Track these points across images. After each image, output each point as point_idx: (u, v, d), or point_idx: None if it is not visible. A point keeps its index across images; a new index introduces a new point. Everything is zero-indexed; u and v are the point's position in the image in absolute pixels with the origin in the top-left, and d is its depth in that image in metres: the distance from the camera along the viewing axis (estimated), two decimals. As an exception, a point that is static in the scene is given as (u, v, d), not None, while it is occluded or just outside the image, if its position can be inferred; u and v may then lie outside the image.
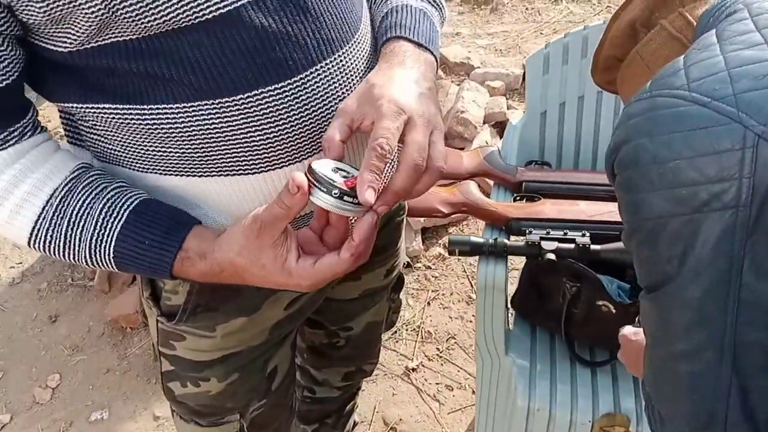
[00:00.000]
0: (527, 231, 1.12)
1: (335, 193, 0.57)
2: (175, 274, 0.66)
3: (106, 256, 0.66)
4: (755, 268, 0.49)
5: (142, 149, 0.67)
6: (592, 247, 1.09)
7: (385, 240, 0.95)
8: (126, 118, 0.64)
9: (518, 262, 1.72)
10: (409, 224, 1.99)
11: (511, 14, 3.42)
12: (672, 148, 0.49)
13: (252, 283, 0.65)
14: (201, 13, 0.58)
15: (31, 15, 0.56)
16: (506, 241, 1.12)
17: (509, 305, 1.27)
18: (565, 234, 1.11)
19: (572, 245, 1.09)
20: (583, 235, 1.10)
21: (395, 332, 1.84)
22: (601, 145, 1.30)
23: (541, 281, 1.21)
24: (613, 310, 1.10)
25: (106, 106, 0.64)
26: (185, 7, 0.57)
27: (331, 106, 0.66)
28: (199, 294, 0.77)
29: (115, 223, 0.65)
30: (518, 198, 1.23)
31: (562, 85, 1.28)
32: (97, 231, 0.65)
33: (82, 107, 0.66)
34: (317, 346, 1.14)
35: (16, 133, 0.64)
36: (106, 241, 0.65)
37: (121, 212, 0.65)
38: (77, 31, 0.58)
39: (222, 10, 0.59)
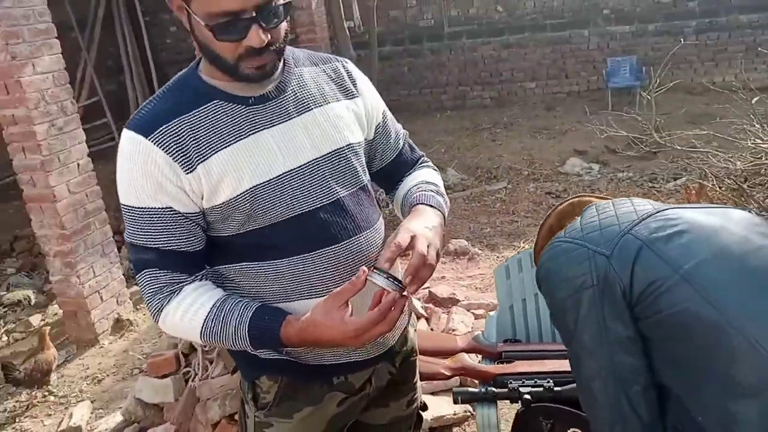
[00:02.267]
0: (508, 382, 1.58)
1: (384, 275, 1.07)
2: (282, 334, 1.12)
3: (244, 332, 1.13)
4: (612, 317, 1.00)
5: (256, 288, 1.19)
6: (555, 388, 1.54)
7: (404, 374, 1.40)
8: (249, 270, 1.19)
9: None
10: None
11: (484, 261, 4.16)
12: (560, 263, 1.05)
13: (323, 333, 1.09)
14: (293, 213, 1.16)
15: (213, 216, 1.14)
16: (494, 390, 1.57)
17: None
18: (535, 382, 1.57)
19: (541, 389, 1.54)
20: (548, 382, 1.56)
21: None
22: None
23: (527, 426, 1.63)
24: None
25: (241, 264, 1.19)
26: (286, 210, 1.15)
27: (360, 258, 1.20)
28: (284, 389, 1.24)
29: (249, 312, 1.14)
30: (499, 363, 1.70)
31: (520, 286, 1.85)
32: (238, 317, 1.13)
33: (226, 266, 1.20)
34: None
35: (199, 275, 1.18)
36: (245, 321, 1.13)
37: (252, 306, 1.15)
38: (232, 225, 1.15)
39: (304, 211, 1.16)
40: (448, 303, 3.23)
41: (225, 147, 1.11)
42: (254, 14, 1.03)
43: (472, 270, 3.92)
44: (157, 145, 1.09)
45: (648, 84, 6.33)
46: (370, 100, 1.32)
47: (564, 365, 1.63)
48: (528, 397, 1.53)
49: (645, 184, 5.33)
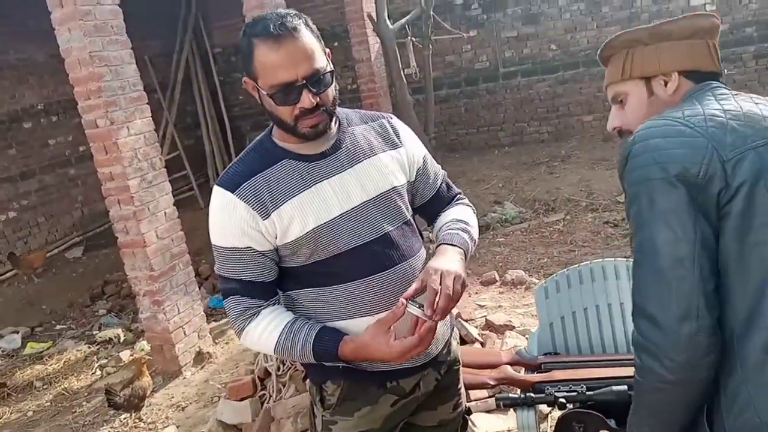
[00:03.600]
0: (546, 389, 1.75)
1: (418, 307, 1.30)
2: (339, 353, 1.37)
3: (309, 350, 1.38)
4: (704, 215, 1.03)
5: (320, 308, 1.44)
6: (588, 392, 1.70)
7: (448, 381, 1.61)
8: (314, 294, 1.44)
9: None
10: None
11: (541, 290, 4.27)
12: (673, 143, 1.06)
13: (372, 353, 1.33)
14: (349, 246, 1.41)
15: (284, 251, 1.41)
16: (532, 395, 1.74)
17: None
18: (570, 388, 1.73)
19: (575, 393, 1.71)
20: (581, 387, 1.72)
21: None
22: (592, 336, 1.98)
23: (564, 430, 1.79)
24: (611, 435, 1.67)
25: (307, 288, 1.45)
26: (343, 244, 1.40)
27: (405, 281, 1.43)
28: (345, 391, 1.48)
29: (314, 333, 1.39)
30: (539, 373, 1.87)
31: (558, 305, 2.02)
32: (304, 337, 1.39)
33: (296, 291, 1.47)
34: None
35: (274, 300, 1.45)
36: (310, 341, 1.39)
37: (316, 328, 1.40)
38: (300, 258, 1.42)
39: (358, 244, 1.41)
40: (503, 329, 3.38)
41: (293, 197, 1.39)
42: (304, 82, 1.32)
43: (528, 299, 4.06)
44: (241, 199, 1.38)
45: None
46: (412, 148, 1.58)
47: (596, 373, 1.80)
48: (563, 400, 1.69)
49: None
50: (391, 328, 1.34)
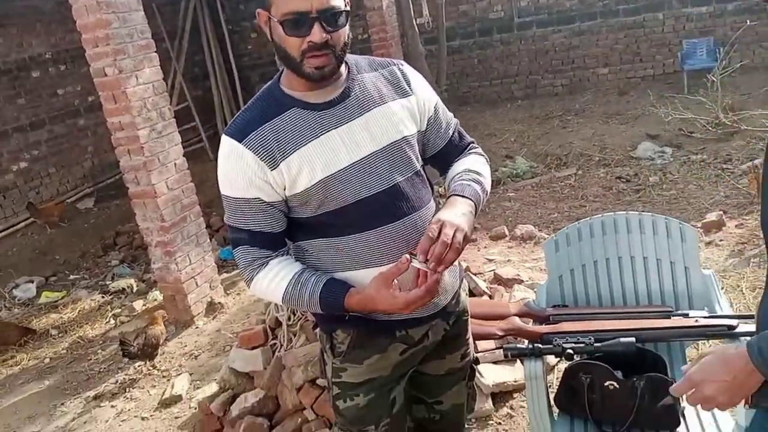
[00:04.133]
0: (554, 340, 1.76)
1: (419, 260, 1.30)
2: (345, 304, 1.38)
3: (316, 300, 1.39)
4: None
5: (330, 259, 1.44)
6: (595, 344, 1.70)
7: (456, 330, 1.62)
8: (324, 244, 1.44)
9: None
10: (481, 389, 2.56)
11: (551, 245, 4.27)
12: None
13: (377, 305, 1.34)
14: (358, 197, 1.39)
15: (293, 202, 1.40)
16: (540, 346, 1.75)
17: (553, 403, 1.83)
18: (578, 340, 1.74)
19: (583, 344, 1.71)
20: (589, 339, 1.73)
21: (475, 470, 2.31)
22: (601, 289, 1.98)
23: (570, 382, 1.80)
24: (617, 386, 1.68)
25: (317, 239, 1.45)
26: (352, 195, 1.39)
27: (416, 234, 1.42)
28: (355, 339, 1.49)
29: (321, 284, 1.40)
30: (547, 324, 1.87)
31: (568, 258, 2.01)
32: (312, 288, 1.40)
33: (305, 241, 1.46)
34: (420, 421, 1.71)
35: (282, 251, 1.45)
36: (317, 292, 1.40)
37: (323, 279, 1.41)
38: (309, 208, 1.41)
39: (367, 195, 1.40)
40: (512, 283, 3.38)
41: (301, 147, 1.38)
42: (317, 15, 1.29)
43: (537, 253, 4.05)
44: (248, 149, 1.37)
45: (727, 64, 6.21)
46: (423, 96, 1.54)
47: (604, 325, 1.80)
48: (570, 351, 1.70)
49: (719, 165, 5.24)
50: (395, 281, 1.34)
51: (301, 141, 1.38)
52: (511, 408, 2.61)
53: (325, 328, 1.55)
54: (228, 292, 4.51)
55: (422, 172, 1.53)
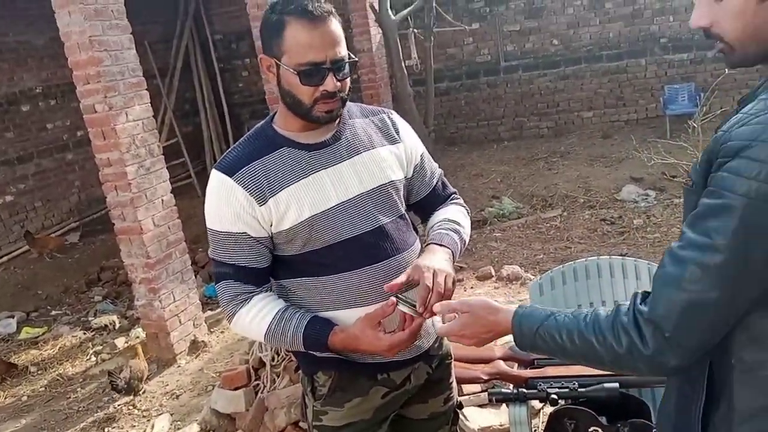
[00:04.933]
0: (538, 384, 1.76)
1: (407, 305, 1.31)
2: (329, 342, 1.37)
3: (300, 338, 1.39)
4: None
5: (313, 298, 1.44)
6: (580, 389, 1.70)
7: (440, 374, 1.61)
8: (307, 283, 1.44)
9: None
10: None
11: (536, 286, 4.28)
12: None
13: (361, 345, 1.35)
14: (343, 237, 1.41)
15: (279, 239, 1.41)
16: (525, 390, 1.75)
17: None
18: (562, 384, 1.74)
19: (567, 389, 1.71)
20: (573, 383, 1.73)
21: None
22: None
23: (554, 427, 1.79)
24: (601, 431, 1.67)
25: (300, 278, 1.45)
26: (337, 235, 1.40)
27: (394, 275, 1.41)
28: (336, 382, 1.48)
29: (305, 321, 1.40)
30: (532, 368, 1.87)
31: (554, 301, 2.02)
32: (295, 325, 1.40)
33: (288, 280, 1.47)
34: None
35: (266, 287, 1.45)
36: (301, 329, 1.39)
37: (307, 317, 1.41)
38: (294, 246, 1.41)
39: (352, 235, 1.41)
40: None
41: (290, 184, 1.40)
42: (330, 65, 1.33)
43: (523, 294, 4.07)
44: (238, 184, 1.38)
45: (708, 110, 6.35)
46: (410, 144, 1.58)
47: (588, 370, 1.80)
48: (554, 396, 1.70)
49: (702, 209, 5.31)
50: (381, 322, 1.35)
51: (290, 179, 1.40)
52: (495, 451, 2.58)
53: (306, 371, 1.54)
54: (212, 330, 4.46)
55: (406, 216, 1.56)
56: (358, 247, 1.43)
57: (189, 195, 8.26)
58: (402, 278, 1.36)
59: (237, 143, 1.47)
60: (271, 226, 1.40)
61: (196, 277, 4.84)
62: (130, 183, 3.81)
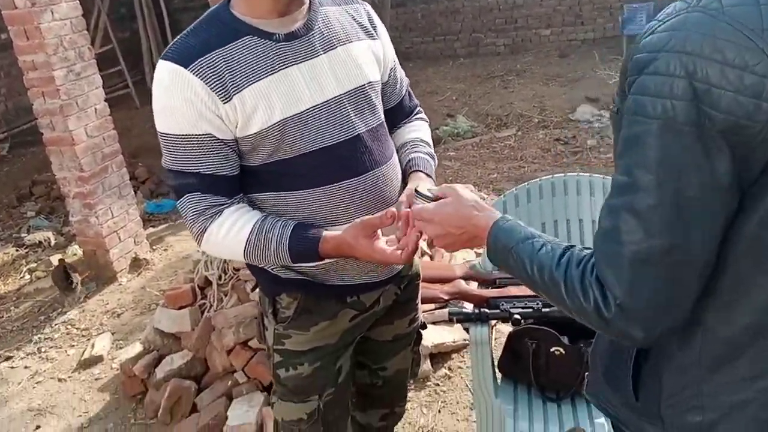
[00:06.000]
0: (501, 304, 1.69)
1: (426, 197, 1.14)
2: (320, 249, 1.23)
3: (284, 249, 1.23)
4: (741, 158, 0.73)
5: (283, 215, 1.28)
6: (543, 309, 1.64)
7: (407, 295, 1.52)
8: (274, 199, 1.28)
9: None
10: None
11: (490, 205, 4.23)
12: (720, 48, 0.71)
13: (356, 253, 1.21)
14: (318, 146, 1.24)
15: (243, 145, 1.23)
16: (487, 311, 1.68)
17: (497, 369, 1.77)
18: (525, 304, 1.67)
19: (530, 309, 1.65)
20: (537, 303, 1.66)
21: (413, 435, 2.26)
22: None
23: (514, 347, 1.75)
24: (564, 352, 1.63)
25: (267, 192, 1.28)
26: (311, 143, 1.23)
27: (377, 191, 1.30)
28: (303, 304, 1.35)
29: (288, 230, 1.24)
30: (494, 288, 1.80)
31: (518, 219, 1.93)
32: (279, 234, 1.24)
33: (257, 195, 1.30)
34: (362, 387, 1.62)
35: (237, 198, 1.27)
36: (285, 238, 1.24)
37: (290, 226, 1.25)
38: (260, 155, 1.24)
39: (328, 144, 1.25)
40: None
41: (257, 80, 1.19)
42: None
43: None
44: (197, 76, 1.16)
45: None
46: (386, 44, 1.41)
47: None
48: (518, 316, 1.63)
49: (655, 131, 5.32)
50: (377, 233, 1.23)
51: (257, 74, 1.19)
52: (449, 369, 2.56)
53: (268, 292, 1.41)
54: (154, 247, 4.26)
55: (385, 125, 1.40)
56: (334, 158, 1.26)
57: (126, 106, 7.80)
58: (404, 207, 1.22)
59: (185, 32, 1.23)
60: (235, 128, 1.20)
61: (136, 193, 4.60)
62: (59, 89, 3.47)
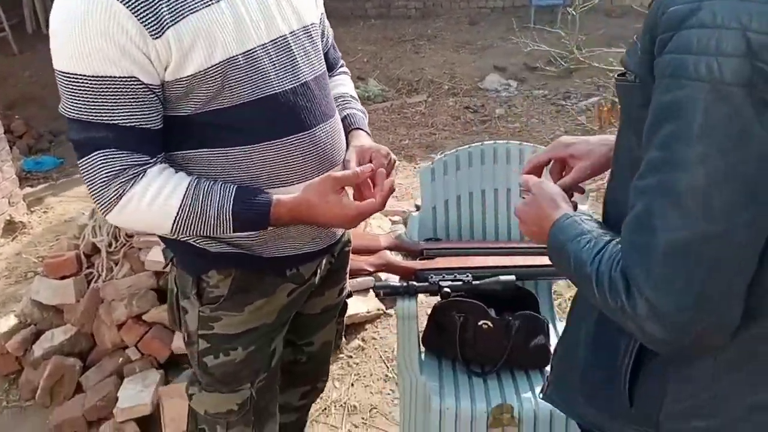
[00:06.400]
0: (429, 277, 1.57)
1: None
2: (272, 212, 1.05)
3: (227, 214, 1.04)
4: None
5: (218, 178, 1.07)
6: (473, 282, 1.55)
7: (339, 263, 1.38)
8: (209, 157, 1.07)
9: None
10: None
11: (402, 171, 4.15)
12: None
13: (321, 215, 1.06)
14: (263, 93, 1.05)
15: (174, 90, 1.00)
16: (415, 284, 1.56)
17: (421, 343, 1.67)
18: (455, 277, 1.57)
19: (460, 282, 1.55)
20: (467, 276, 1.56)
21: (325, 409, 2.13)
22: (475, 225, 1.83)
23: (439, 320, 1.65)
24: (492, 325, 1.55)
25: (198, 149, 1.08)
26: (256, 88, 1.04)
27: (326, 148, 1.14)
28: (238, 282, 1.17)
29: (230, 193, 1.04)
30: (421, 260, 1.69)
31: (444, 188, 1.82)
32: (220, 198, 1.04)
33: (185, 153, 1.08)
34: (284, 365, 1.45)
35: (160, 157, 1.05)
36: (228, 204, 1.04)
37: (232, 188, 1.05)
38: (195, 102, 1.02)
39: (274, 91, 1.06)
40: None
41: (197, 10, 0.98)
42: None
43: (390, 179, 3.90)
44: (122, 3, 0.93)
45: (571, 3, 6.38)
46: None
47: (482, 261, 1.65)
48: (447, 290, 1.53)
49: (558, 102, 5.43)
50: (345, 190, 1.10)
51: (195, 3, 0.99)
52: (363, 340, 2.45)
53: (191, 269, 1.20)
54: (32, 209, 3.83)
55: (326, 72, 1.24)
56: (282, 108, 1.08)
57: (2, 52, 6.99)
58: (354, 166, 1.14)
59: None
60: (165, 69, 0.99)
61: (11, 149, 4.11)
62: None
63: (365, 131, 1.29)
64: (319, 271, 1.29)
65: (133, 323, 2.26)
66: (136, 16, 0.93)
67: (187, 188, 1.04)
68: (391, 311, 2.56)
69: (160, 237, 1.22)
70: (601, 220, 0.87)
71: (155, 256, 2.24)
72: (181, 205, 1.03)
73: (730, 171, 0.63)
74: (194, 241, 1.15)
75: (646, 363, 0.81)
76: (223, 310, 1.19)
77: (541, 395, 1.03)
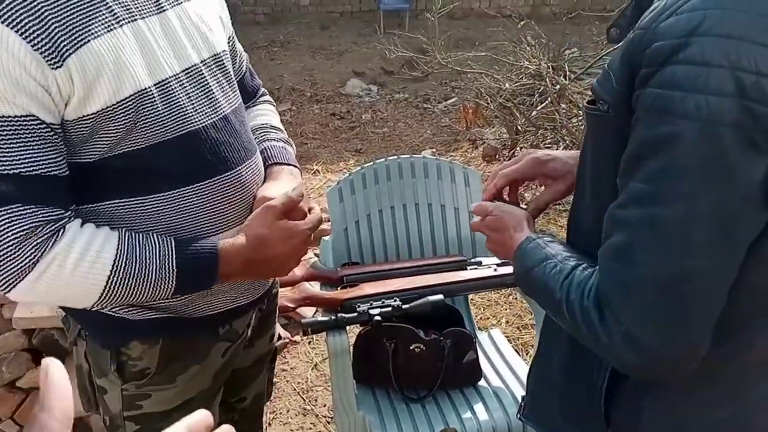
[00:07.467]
0: (356, 306, 1.51)
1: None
2: (221, 264, 0.93)
3: (171, 272, 0.90)
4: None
5: (135, 228, 0.93)
6: (403, 306, 1.51)
7: (269, 308, 1.27)
8: (121, 209, 0.93)
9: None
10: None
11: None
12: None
13: (276, 247, 0.95)
14: (182, 130, 0.93)
15: (77, 131, 0.85)
16: (344, 315, 1.49)
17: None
18: (383, 302, 1.52)
19: (389, 309, 1.51)
20: (395, 300, 1.53)
21: (245, 454, 1.99)
22: (388, 244, 1.80)
23: (367, 349, 1.60)
24: (424, 348, 1.53)
25: (110, 202, 0.92)
26: (174, 125, 0.91)
27: (252, 189, 1.03)
28: (167, 350, 1.03)
29: (171, 248, 0.91)
30: (342, 288, 1.62)
31: (354, 208, 1.77)
32: (160, 256, 0.90)
33: (92, 206, 0.92)
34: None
35: (74, 210, 0.89)
36: (170, 259, 0.90)
37: (170, 241, 0.92)
38: (102, 144, 0.87)
39: (191, 128, 0.94)
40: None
41: (99, 35, 0.84)
42: None
43: (268, 195, 3.77)
44: (12, 28, 0.77)
45: (415, 8, 6.59)
46: (225, 8, 1.15)
47: (407, 283, 1.62)
48: (379, 318, 1.48)
49: (420, 104, 5.58)
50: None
51: (98, 26, 0.85)
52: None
53: (108, 342, 1.03)
54: None
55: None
56: (200, 147, 0.95)
57: None
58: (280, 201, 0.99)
59: None
60: (66, 106, 0.84)
61: None
62: None
63: (288, 164, 1.17)
64: (251, 322, 1.19)
65: (6, 392, 1.96)
66: (29, 43, 0.79)
67: (118, 244, 0.89)
68: (297, 338, 2.46)
69: (66, 311, 1.05)
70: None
71: (22, 312, 1.96)
72: (114, 267, 0.88)
73: (714, 209, 0.63)
74: (110, 310, 1.00)
75: (620, 384, 0.82)
76: (152, 385, 1.05)
77: (518, 416, 1.03)
